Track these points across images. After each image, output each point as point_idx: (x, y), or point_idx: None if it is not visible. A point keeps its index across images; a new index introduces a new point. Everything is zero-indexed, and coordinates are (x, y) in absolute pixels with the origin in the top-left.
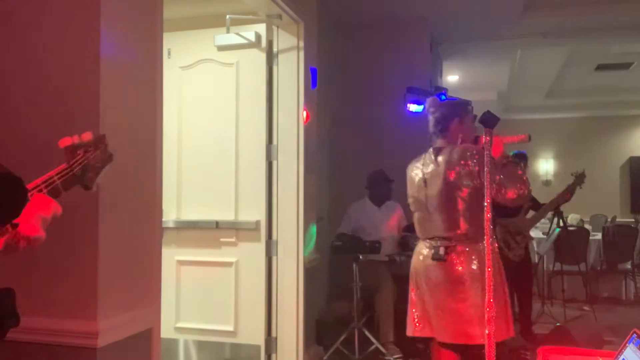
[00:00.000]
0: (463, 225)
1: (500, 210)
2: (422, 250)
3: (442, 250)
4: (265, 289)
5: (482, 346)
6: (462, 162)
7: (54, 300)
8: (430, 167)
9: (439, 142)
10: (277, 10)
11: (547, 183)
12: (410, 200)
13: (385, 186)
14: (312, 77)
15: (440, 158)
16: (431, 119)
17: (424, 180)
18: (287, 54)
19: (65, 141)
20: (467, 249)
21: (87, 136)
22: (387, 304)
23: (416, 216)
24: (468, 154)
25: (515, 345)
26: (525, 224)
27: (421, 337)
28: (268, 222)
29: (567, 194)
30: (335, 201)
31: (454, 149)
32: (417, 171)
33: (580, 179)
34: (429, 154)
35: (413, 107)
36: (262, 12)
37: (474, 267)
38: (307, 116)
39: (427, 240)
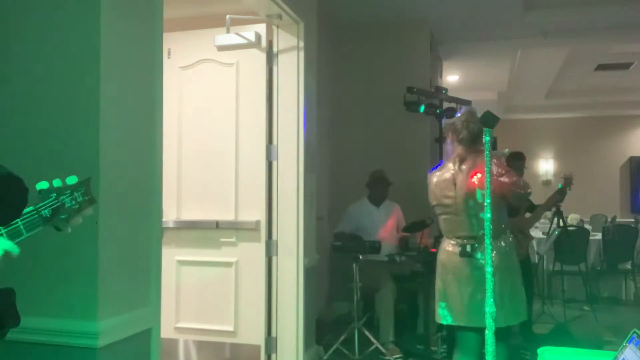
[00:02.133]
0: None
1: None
2: (448, 247)
3: (469, 248)
4: (265, 289)
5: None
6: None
7: (54, 300)
8: (453, 174)
9: (461, 151)
10: (277, 10)
11: (547, 183)
12: (434, 203)
13: (384, 186)
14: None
15: (464, 166)
16: (466, 130)
17: (452, 185)
18: (287, 54)
19: (41, 185)
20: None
21: (71, 180)
22: (387, 304)
23: (443, 218)
24: (494, 161)
25: (515, 345)
26: (525, 224)
27: (447, 325)
28: (268, 222)
29: (557, 196)
30: (335, 201)
31: (478, 157)
32: (441, 178)
33: (568, 181)
34: (454, 162)
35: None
36: (262, 12)
37: (495, 260)
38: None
39: (454, 239)
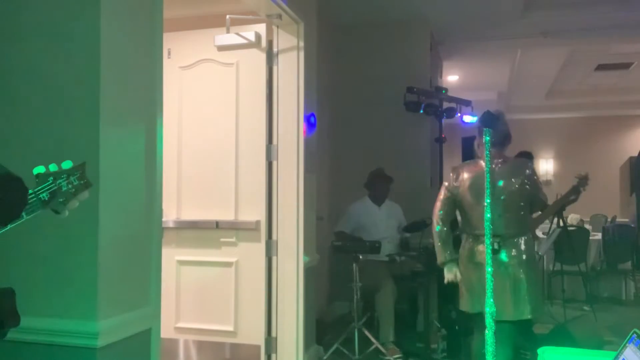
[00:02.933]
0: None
1: None
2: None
3: (496, 245)
4: (265, 289)
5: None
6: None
7: (54, 300)
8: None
9: (494, 153)
10: (277, 10)
11: (547, 183)
12: (467, 198)
13: (384, 185)
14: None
15: (494, 166)
16: (495, 132)
17: (479, 184)
18: (287, 54)
19: (38, 169)
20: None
21: (67, 164)
22: (387, 303)
23: (471, 215)
24: (528, 163)
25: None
26: (532, 224)
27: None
28: (268, 222)
29: (571, 195)
30: (335, 201)
31: (507, 161)
32: (475, 175)
33: (583, 181)
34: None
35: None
36: (262, 12)
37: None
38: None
39: (480, 236)
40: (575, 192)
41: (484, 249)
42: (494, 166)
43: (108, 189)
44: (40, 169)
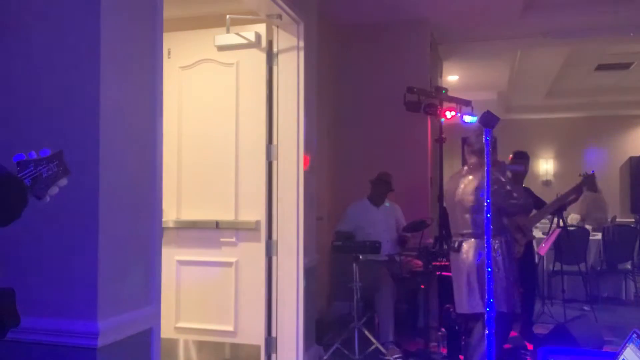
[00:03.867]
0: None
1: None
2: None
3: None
4: (265, 289)
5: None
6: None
7: (54, 300)
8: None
9: (474, 160)
10: (277, 10)
11: (547, 183)
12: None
13: (385, 189)
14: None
15: (471, 176)
16: (478, 143)
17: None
18: (287, 54)
19: (19, 157)
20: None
21: (45, 152)
22: (387, 303)
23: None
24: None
25: (516, 345)
26: (527, 222)
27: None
28: (268, 222)
29: (573, 194)
30: (335, 201)
31: (474, 169)
32: (457, 181)
33: (589, 180)
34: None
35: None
36: (262, 12)
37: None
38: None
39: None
40: (576, 192)
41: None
42: (471, 175)
43: (108, 189)
44: (20, 157)
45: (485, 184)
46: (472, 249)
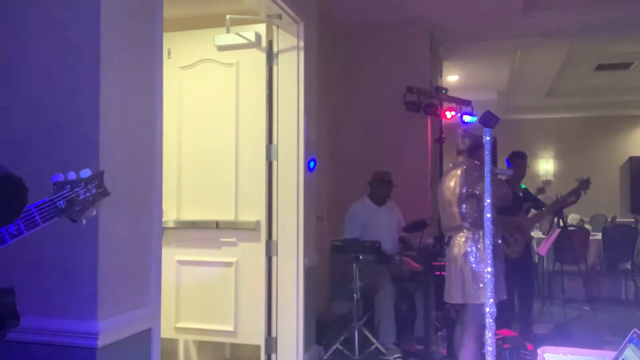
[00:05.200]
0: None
1: (502, 208)
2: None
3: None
4: (265, 289)
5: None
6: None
7: (54, 300)
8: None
9: (462, 159)
10: (277, 10)
11: (547, 183)
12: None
13: (387, 188)
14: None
15: (455, 171)
16: (462, 143)
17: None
18: (287, 54)
19: (57, 177)
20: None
21: (85, 173)
22: (387, 303)
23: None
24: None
25: (516, 345)
26: (526, 223)
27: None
28: (268, 222)
29: (571, 197)
30: (335, 201)
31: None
32: (444, 181)
33: (584, 184)
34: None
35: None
36: (262, 12)
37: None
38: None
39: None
40: (575, 195)
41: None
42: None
43: (108, 189)
44: (58, 177)
45: (470, 174)
46: (461, 241)
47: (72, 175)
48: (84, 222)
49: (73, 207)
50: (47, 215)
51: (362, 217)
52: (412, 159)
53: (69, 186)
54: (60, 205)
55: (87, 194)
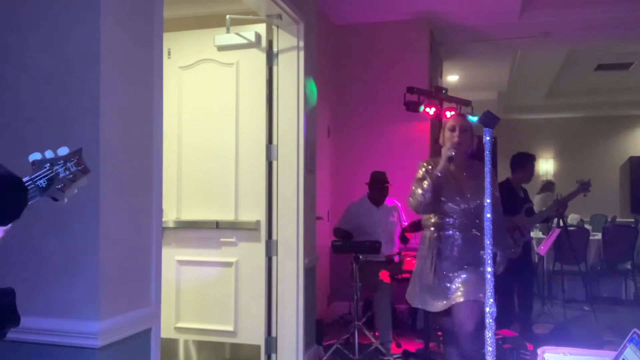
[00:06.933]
0: None
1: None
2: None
3: None
4: (265, 289)
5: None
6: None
7: (54, 300)
8: None
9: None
10: (277, 10)
11: (549, 184)
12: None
13: (383, 188)
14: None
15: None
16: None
17: None
18: (287, 54)
19: (34, 156)
20: None
21: (63, 150)
22: (387, 303)
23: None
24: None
25: (515, 345)
26: (525, 223)
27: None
28: (268, 222)
29: (573, 197)
30: (335, 201)
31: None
32: None
33: (585, 186)
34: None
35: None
36: (262, 12)
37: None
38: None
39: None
40: (576, 196)
41: None
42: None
43: (108, 189)
44: (36, 156)
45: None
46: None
47: (50, 154)
48: (66, 200)
49: (54, 186)
50: (29, 195)
51: (357, 214)
52: (412, 159)
53: (48, 165)
54: (41, 184)
55: (67, 172)
